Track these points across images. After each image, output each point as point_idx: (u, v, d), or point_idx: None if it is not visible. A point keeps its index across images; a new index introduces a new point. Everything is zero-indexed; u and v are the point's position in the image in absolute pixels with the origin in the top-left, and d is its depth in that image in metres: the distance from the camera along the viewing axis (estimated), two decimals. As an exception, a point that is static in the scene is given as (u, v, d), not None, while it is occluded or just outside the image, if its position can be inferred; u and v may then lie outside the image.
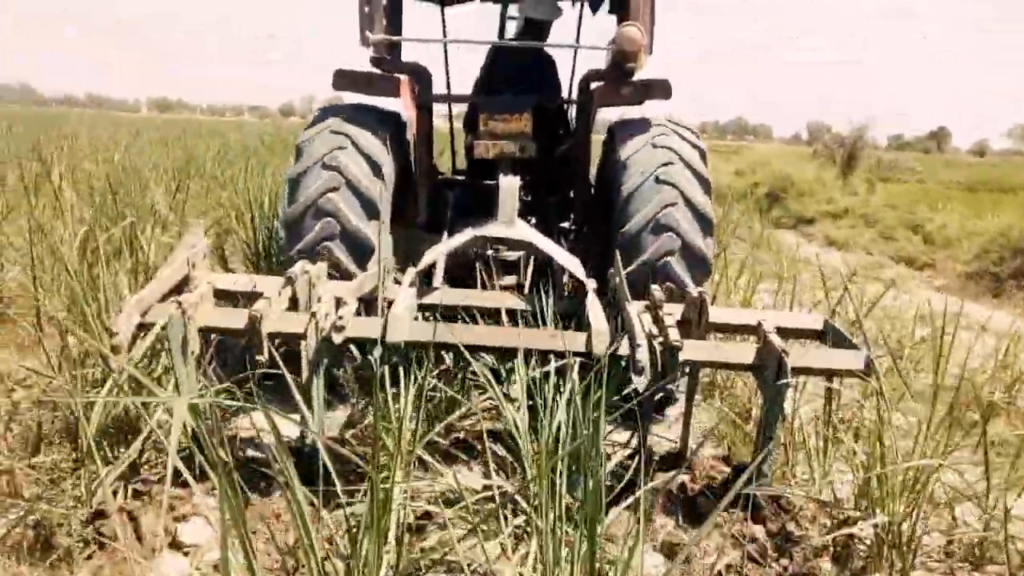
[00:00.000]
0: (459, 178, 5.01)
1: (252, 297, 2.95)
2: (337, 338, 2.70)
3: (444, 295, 3.40)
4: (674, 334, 2.71)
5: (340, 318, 2.71)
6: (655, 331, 2.77)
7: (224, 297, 3.10)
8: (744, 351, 2.79)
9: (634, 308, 2.89)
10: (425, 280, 3.63)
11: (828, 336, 3.07)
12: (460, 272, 4.00)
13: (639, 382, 2.58)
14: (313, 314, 2.67)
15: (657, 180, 3.65)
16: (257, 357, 2.62)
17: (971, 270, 8.47)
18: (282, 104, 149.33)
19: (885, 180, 20.44)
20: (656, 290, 3.14)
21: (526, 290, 3.89)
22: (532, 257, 4.08)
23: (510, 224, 3.60)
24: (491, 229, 3.56)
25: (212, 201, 6.88)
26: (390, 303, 3.12)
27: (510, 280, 4.02)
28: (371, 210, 3.61)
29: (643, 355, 2.63)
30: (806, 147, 34.93)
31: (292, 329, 2.68)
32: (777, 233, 10.07)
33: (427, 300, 3.31)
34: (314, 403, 2.68)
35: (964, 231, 9.52)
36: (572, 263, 3.52)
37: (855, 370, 2.71)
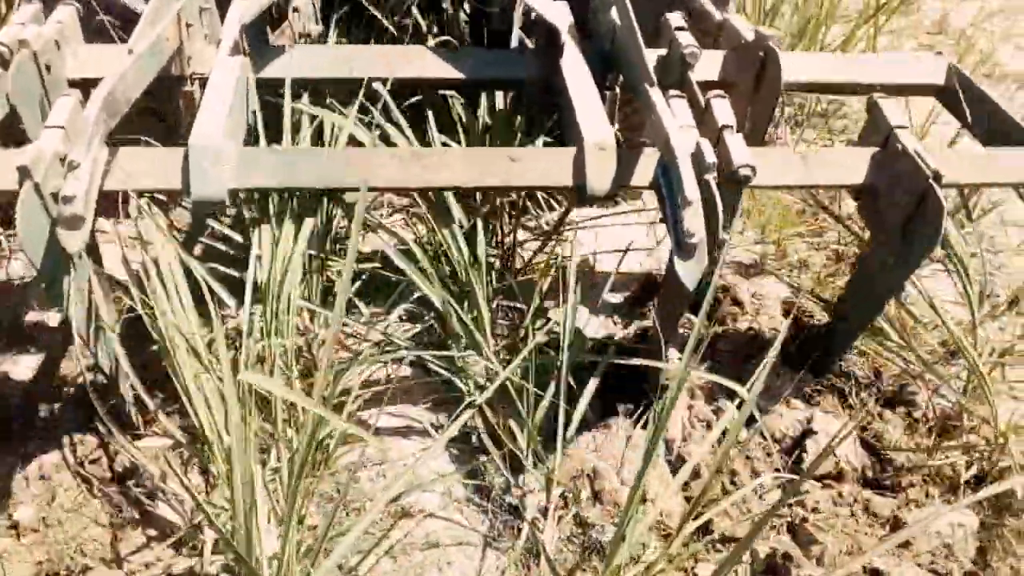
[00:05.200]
0: None
1: None
2: (69, 213, 1.31)
3: (302, 60, 1.88)
4: (736, 143, 1.51)
5: (72, 167, 1.33)
6: (700, 137, 1.52)
7: None
8: (852, 160, 1.65)
9: (657, 93, 1.59)
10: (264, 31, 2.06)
11: (950, 96, 1.86)
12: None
13: (688, 270, 1.44)
14: (24, 169, 1.27)
15: None
16: None
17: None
18: None
19: None
20: (678, 27, 1.77)
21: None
22: None
23: None
24: None
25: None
26: (204, 86, 1.67)
27: None
28: None
29: (695, 214, 1.42)
30: None
31: None
32: None
33: (270, 73, 1.85)
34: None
35: None
36: None
37: None
